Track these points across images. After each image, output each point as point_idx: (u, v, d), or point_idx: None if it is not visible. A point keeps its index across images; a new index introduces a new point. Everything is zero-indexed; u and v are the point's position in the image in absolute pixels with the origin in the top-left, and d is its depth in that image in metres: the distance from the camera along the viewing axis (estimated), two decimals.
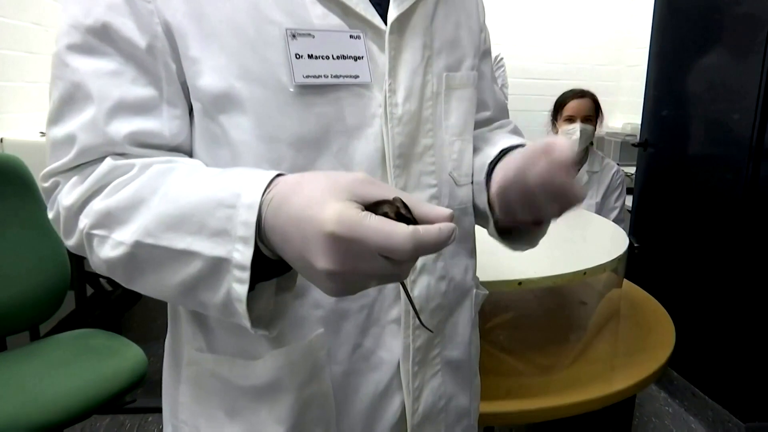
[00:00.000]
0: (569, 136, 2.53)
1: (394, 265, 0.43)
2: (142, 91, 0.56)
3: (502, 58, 3.28)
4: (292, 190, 0.46)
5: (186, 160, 0.58)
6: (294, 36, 0.56)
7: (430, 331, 0.68)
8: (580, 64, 4.80)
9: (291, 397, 0.62)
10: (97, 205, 0.54)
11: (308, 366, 0.62)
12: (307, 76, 0.57)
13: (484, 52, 0.81)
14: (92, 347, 1.79)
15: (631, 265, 2.89)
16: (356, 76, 0.60)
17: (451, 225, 0.44)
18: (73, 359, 1.72)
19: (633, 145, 3.00)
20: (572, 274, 1.17)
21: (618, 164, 3.97)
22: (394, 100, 0.62)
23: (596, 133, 2.61)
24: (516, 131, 0.86)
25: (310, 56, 0.57)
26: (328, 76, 0.58)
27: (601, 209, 2.63)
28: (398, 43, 0.63)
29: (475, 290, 0.77)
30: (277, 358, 0.61)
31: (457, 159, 0.71)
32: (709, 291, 2.38)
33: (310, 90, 0.58)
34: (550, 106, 2.70)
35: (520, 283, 1.12)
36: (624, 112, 4.51)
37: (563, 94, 2.62)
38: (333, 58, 0.58)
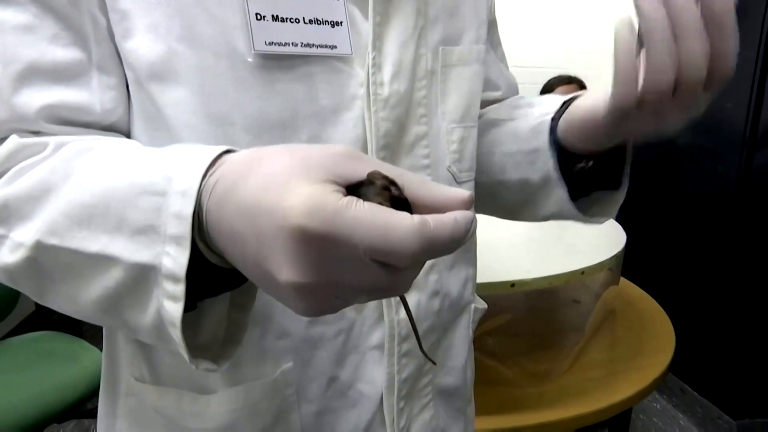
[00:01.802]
0: None
1: (392, 274, 0.30)
2: (64, 52, 0.44)
3: None
4: (244, 171, 0.33)
5: (114, 138, 0.46)
6: None
7: (434, 363, 0.56)
8: (564, 53, 4.74)
9: None
10: None
11: (273, 408, 0.51)
12: (271, 43, 0.45)
13: (491, 23, 0.69)
14: (50, 351, 1.70)
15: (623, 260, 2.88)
16: (333, 47, 0.48)
17: (468, 214, 0.31)
18: (29, 364, 1.63)
19: None
20: (569, 274, 1.07)
21: None
22: (380, 78, 0.50)
23: None
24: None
25: (275, 18, 0.45)
26: (297, 45, 0.46)
27: None
28: (386, 8, 0.51)
29: (473, 305, 0.67)
30: (233, 397, 0.50)
31: (458, 150, 0.59)
32: (700, 287, 2.36)
33: (274, 61, 0.46)
34: (536, 94, 2.63)
35: (512, 284, 1.03)
36: None
37: (549, 80, 2.55)
38: (304, 22, 0.46)
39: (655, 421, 2.34)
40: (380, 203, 0.30)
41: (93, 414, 1.82)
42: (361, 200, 0.30)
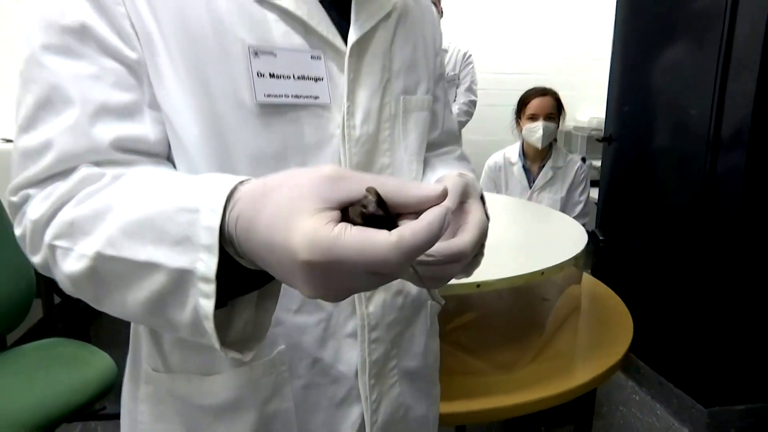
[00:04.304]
0: (533, 134, 2.58)
1: (383, 277, 0.38)
2: (125, 95, 0.54)
3: (470, 56, 3.32)
4: (255, 210, 0.40)
5: (157, 168, 0.56)
6: (256, 54, 0.56)
7: (440, 303, 0.72)
8: (548, 58, 4.86)
9: (253, 415, 0.63)
10: (64, 215, 0.50)
11: (270, 383, 0.63)
12: (269, 95, 0.57)
13: (439, 76, 0.82)
14: (60, 356, 1.78)
15: (597, 259, 2.96)
16: (316, 97, 0.60)
17: (440, 211, 0.37)
18: (40, 369, 1.70)
19: (597, 140, 3.05)
20: (529, 275, 1.18)
21: (585, 157, 4.05)
22: (353, 122, 0.63)
23: (559, 129, 2.66)
24: (462, 157, 0.87)
25: (271, 75, 0.57)
26: (288, 96, 0.58)
27: (566, 204, 2.68)
28: (358, 66, 0.63)
29: (430, 302, 0.79)
30: (239, 375, 0.62)
31: (416, 177, 0.72)
32: (673, 284, 2.44)
33: (271, 108, 0.58)
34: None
35: (478, 285, 1.14)
36: (593, 105, 4.58)
37: (526, 92, 2.66)
38: (294, 78, 0.59)
39: (634, 411, 2.44)
40: (366, 224, 0.37)
41: (100, 417, 1.90)
42: (350, 226, 0.36)
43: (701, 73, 2.24)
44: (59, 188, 0.51)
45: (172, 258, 0.44)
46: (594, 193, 3.07)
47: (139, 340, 0.67)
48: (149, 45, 0.54)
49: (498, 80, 4.66)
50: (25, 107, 0.53)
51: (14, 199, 0.54)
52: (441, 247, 0.50)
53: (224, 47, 0.56)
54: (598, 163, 3.31)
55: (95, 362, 1.73)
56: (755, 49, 2.01)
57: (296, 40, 0.59)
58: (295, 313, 0.63)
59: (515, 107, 2.70)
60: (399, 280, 0.68)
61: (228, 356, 0.47)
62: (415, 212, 0.39)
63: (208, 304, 0.43)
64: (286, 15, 0.58)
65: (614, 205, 2.93)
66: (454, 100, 3.30)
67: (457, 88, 3.30)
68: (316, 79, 0.60)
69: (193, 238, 0.43)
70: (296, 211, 0.37)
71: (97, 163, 0.53)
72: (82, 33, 0.53)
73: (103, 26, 0.53)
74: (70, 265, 0.50)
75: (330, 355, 0.66)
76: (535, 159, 2.71)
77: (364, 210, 0.37)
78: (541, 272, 1.22)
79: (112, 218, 0.48)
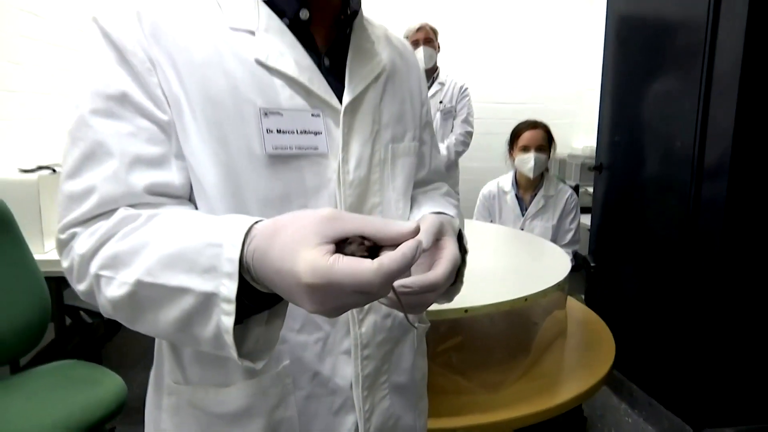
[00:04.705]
0: (525, 164, 2.69)
1: (370, 295, 0.48)
2: (156, 148, 0.65)
3: (467, 89, 3.44)
4: (268, 244, 0.51)
5: (185, 208, 0.66)
6: (266, 114, 0.67)
7: (414, 327, 0.77)
8: (543, 88, 5.02)
9: (262, 421, 0.72)
10: (107, 249, 0.60)
11: (277, 393, 0.73)
12: (276, 148, 0.68)
13: (426, 123, 0.93)
14: (74, 378, 1.86)
15: (589, 283, 3.04)
16: (316, 148, 0.71)
17: (413, 243, 0.48)
18: (54, 391, 1.78)
19: (589, 169, 3.16)
20: (513, 301, 1.28)
21: (579, 184, 4.16)
22: (347, 168, 0.73)
23: (552, 158, 2.77)
24: (449, 194, 0.96)
25: (278, 131, 0.68)
26: (293, 148, 0.69)
27: (557, 231, 2.78)
28: (351, 121, 0.74)
29: (417, 324, 0.88)
30: (249, 387, 0.71)
31: (402, 215, 0.82)
32: (661, 307, 2.52)
33: (278, 158, 0.68)
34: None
35: (466, 310, 1.23)
36: (587, 134, 4.70)
37: (518, 125, 2.79)
38: (297, 133, 0.69)
39: None
40: (354, 253, 0.48)
41: None
42: (342, 256, 0.47)
43: (685, 105, 2.35)
44: (102, 227, 0.62)
45: (200, 283, 0.55)
46: (588, 219, 3.17)
47: (162, 357, 0.77)
48: (177, 107, 0.66)
49: (495, 109, 4.81)
50: (72, 159, 0.64)
51: (62, 236, 0.64)
52: (417, 279, 0.60)
53: (239, 109, 0.67)
54: (591, 190, 3.41)
55: (107, 383, 1.82)
56: (732, 84, 2.12)
57: (299, 101, 0.70)
58: (297, 333, 0.73)
59: (508, 139, 2.82)
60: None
61: (243, 365, 0.56)
62: (394, 245, 0.49)
63: (228, 321, 0.54)
64: (290, 81, 0.69)
65: (606, 231, 3.02)
66: (451, 131, 3.41)
67: (454, 119, 3.41)
68: (316, 133, 0.71)
69: (218, 267, 0.54)
70: (300, 245, 0.48)
71: (133, 205, 0.63)
72: (123, 99, 0.64)
73: (140, 94, 0.64)
74: (112, 291, 0.60)
75: (328, 369, 0.75)
76: (527, 188, 2.82)
77: (361, 247, 0.48)
78: (525, 298, 1.31)
79: (149, 252, 0.58)
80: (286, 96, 0.69)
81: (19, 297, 1.91)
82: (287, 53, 0.69)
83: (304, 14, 0.71)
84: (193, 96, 0.66)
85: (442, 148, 3.35)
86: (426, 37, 3.27)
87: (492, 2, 4.86)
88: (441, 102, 3.38)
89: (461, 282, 0.78)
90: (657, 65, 2.59)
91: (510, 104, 4.90)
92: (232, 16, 0.69)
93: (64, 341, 2.28)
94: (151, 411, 0.80)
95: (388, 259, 0.46)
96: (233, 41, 0.68)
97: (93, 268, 0.61)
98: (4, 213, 1.94)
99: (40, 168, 2.35)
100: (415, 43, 3.28)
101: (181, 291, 0.56)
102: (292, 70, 0.69)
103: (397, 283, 0.57)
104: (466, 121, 3.40)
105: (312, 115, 0.71)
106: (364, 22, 0.82)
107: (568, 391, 1.39)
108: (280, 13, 0.71)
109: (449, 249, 0.66)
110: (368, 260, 0.46)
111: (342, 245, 0.49)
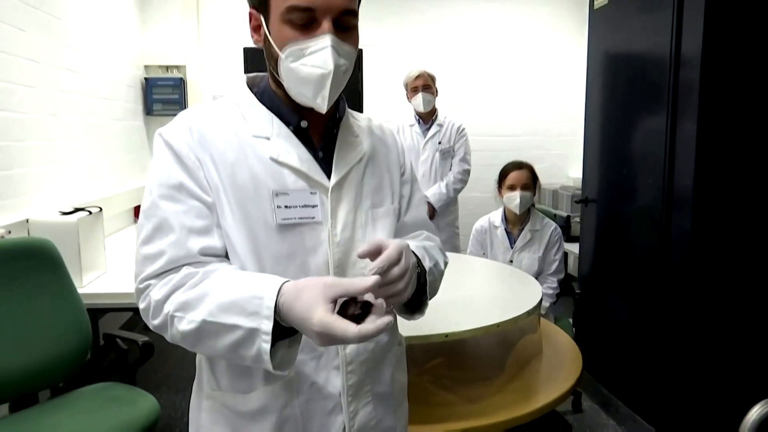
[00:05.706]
0: (511, 201, 2.95)
1: (352, 341, 0.74)
2: (204, 221, 0.91)
3: (464, 129, 3.67)
4: (292, 299, 0.78)
5: (227, 266, 0.91)
6: (277, 194, 0.93)
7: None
8: (538, 122, 5.30)
9: (274, 418, 0.97)
10: (178, 297, 0.85)
11: (286, 395, 0.97)
12: (284, 219, 0.93)
13: (404, 181, 1.13)
14: (113, 398, 2.10)
15: (576, 308, 3.24)
16: (313, 218, 0.95)
17: (387, 320, 0.75)
18: (99, 408, 2.02)
19: (576, 201, 3.39)
20: (487, 327, 1.53)
21: (570, 215, 4.39)
22: (335, 232, 0.97)
23: (535, 197, 3.04)
24: (429, 237, 1.14)
25: (286, 206, 0.93)
26: (296, 219, 0.94)
27: (543, 262, 3.03)
28: (338, 196, 0.98)
29: (396, 346, 1.12)
30: (266, 391, 0.97)
31: None
32: (639, 327, 2.70)
33: (285, 227, 0.93)
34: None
35: (446, 335, 1.47)
36: (580, 166, 4.93)
37: (505, 165, 3.06)
38: (299, 207, 0.94)
39: None
40: (354, 312, 0.77)
41: None
42: (340, 318, 0.74)
43: (653, 144, 2.52)
44: (173, 279, 0.88)
45: (248, 322, 0.81)
46: (578, 248, 3.39)
47: (202, 371, 1.04)
48: (216, 192, 0.93)
49: (493, 142, 5.10)
50: (146, 230, 0.91)
51: (140, 286, 0.91)
52: (373, 264, 0.83)
53: (258, 191, 0.94)
54: None
55: (143, 403, 2.05)
56: (691, 132, 2.31)
57: (301, 184, 0.96)
58: (300, 352, 0.96)
59: (497, 179, 3.08)
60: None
61: (275, 373, 0.84)
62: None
63: (266, 346, 0.81)
64: (295, 170, 0.96)
65: (592, 259, 3.23)
66: (450, 170, 3.65)
67: (452, 158, 3.65)
68: (313, 206, 0.97)
69: (260, 312, 0.80)
70: (314, 304, 0.76)
71: (192, 264, 0.90)
72: (180, 187, 0.92)
73: (191, 183, 0.92)
74: (183, 326, 0.85)
75: (322, 380, 0.99)
76: (515, 223, 3.08)
77: (357, 308, 0.79)
78: (497, 325, 1.56)
79: (210, 300, 0.84)
80: (291, 180, 0.96)
81: (64, 327, 2.15)
82: (292, 151, 0.96)
83: (303, 124, 0.99)
84: (227, 184, 0.93)
85: (442, 186, 3.58)
86: (424, 84, 3.54)
87: (489, 40, 5.18)
88: (440, 142, 3.62)
89: (427, 304, 1.04)
90: (629, 104, 2.77)
91: (507, 137, 5.22)
92: (253, 126, 0.97)
93: (100, 363, 2.47)
94: (193, 413, 1.07)
95: (365, 328, 0.73)
96: (255, 144, 0.95)
97: (167, 309, 0.87)
98: (52, 252, 2.20)
99: (77, 210, 2.61)
100: (414, 90, 3.54)
101: (235, 327, 0.82)
102: (296, 163, 0.96)
103: (373, 276, 0.80)
104: (464, 160, 3.64)
105: (310, 193, 0.97)
106: (350, 119, 1.08)
107: (538, 400, 1.62)
108: (287, 122, 0.98)
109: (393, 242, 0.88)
110: (353, 324, 0.74)
111: (346, 306, 0.78)
